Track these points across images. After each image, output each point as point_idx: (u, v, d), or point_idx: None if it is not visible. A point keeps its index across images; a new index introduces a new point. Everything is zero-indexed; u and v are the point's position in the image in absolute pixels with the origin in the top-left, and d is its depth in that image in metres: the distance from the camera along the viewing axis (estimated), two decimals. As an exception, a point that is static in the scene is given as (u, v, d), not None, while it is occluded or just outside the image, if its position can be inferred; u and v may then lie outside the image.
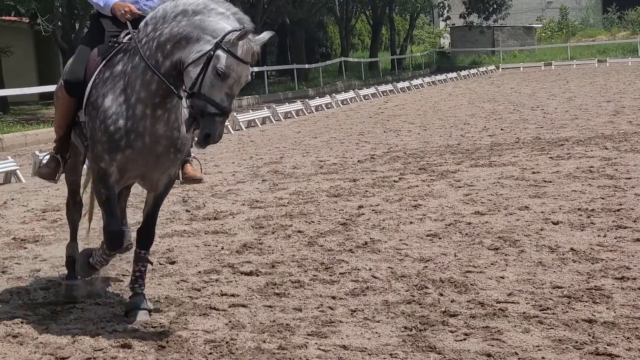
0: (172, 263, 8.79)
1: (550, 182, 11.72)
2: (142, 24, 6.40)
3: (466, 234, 9.01)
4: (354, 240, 9.09)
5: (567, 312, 6.35)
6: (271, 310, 7.08)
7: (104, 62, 6.53)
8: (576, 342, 5.70)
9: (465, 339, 5.98)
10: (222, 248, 9.28)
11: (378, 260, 8.20)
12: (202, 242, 9.58)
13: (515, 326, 6.13)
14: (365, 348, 5.91)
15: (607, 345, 5.61)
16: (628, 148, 14.50)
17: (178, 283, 8.08)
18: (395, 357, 5.72)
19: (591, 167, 12.73)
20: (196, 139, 6.09)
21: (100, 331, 6.67)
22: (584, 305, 6.46)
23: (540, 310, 6.44)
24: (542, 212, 9.75)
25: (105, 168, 6.42)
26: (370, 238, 9.08)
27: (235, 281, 7.99)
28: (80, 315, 7.08)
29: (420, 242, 8.78)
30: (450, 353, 5.71)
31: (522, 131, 18.97)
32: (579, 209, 9.75)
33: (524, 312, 6.40)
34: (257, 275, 8.09)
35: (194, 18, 6.04)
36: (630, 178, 11.52)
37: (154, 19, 6.29)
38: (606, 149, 14.69)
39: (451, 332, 6.15)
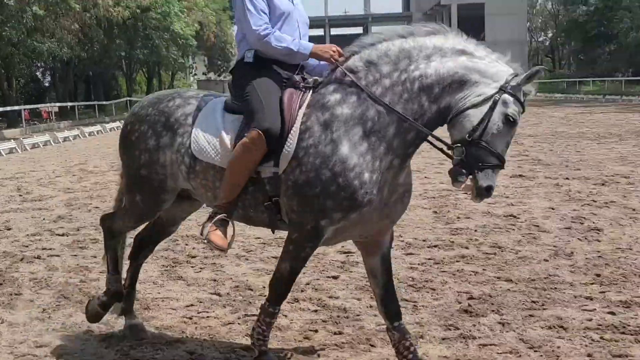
0: (9, 229, 10.48)
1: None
2: (360, 63, 4.95)
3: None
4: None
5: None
6: (76, 258, 8.51)
7: (304, 106, 5.00)
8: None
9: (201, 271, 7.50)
10: (44, 219, 11.26)
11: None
12: (30, 215, 11.68)
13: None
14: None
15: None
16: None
17: (12, 242, 9.55)
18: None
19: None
20: (464, 191, 4.72)
21: None
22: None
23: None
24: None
25: (324, 226, 4.82)
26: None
27: (53, 240, 9.55)
28: None
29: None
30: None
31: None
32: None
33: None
34: (67, 236, 9.73)
35: (459, 59, 4.75)
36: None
37: (386, 58, 4.87)
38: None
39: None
